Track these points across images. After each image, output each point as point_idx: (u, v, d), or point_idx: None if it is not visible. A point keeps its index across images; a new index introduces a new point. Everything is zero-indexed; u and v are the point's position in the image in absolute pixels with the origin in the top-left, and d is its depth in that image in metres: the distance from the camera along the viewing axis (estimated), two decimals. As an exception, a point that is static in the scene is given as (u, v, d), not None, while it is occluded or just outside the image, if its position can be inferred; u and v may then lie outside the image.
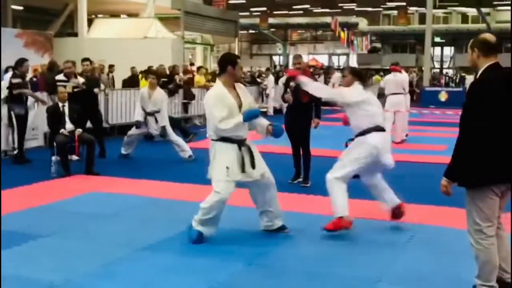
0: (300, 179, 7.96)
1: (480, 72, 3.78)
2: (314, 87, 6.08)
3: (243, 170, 5.22)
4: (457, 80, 39.21)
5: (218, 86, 5.29)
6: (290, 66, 39.95)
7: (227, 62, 5.29)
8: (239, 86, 5.44)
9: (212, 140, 5.26)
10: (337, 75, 22.01)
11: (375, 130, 5.59)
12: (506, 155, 3.65)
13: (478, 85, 3.76)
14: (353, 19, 45.13)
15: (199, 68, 18.18)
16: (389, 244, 5.31)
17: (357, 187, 5.93)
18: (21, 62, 9.50)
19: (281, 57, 52.17)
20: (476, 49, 3.80)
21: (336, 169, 5.61)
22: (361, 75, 5.96)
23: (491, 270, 3.77)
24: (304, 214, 6.35)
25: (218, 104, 5.16)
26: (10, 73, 10.18)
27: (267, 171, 5.45)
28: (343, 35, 41.48)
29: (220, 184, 5.15)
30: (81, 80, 9.86)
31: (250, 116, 5.21)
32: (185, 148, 9.86)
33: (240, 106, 5.23)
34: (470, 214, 3.78)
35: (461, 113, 3.72)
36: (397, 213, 5.84)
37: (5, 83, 9.92)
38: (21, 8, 26.89)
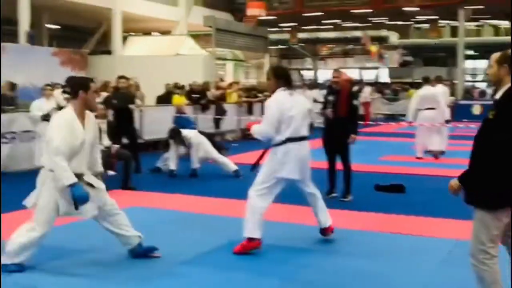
0: (334, 194, 7.94)
1: (506, 89, 3.60)
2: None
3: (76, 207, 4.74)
4: (491, 93, 38.61)
5: (69, 112, 4.71)
6: (320, 80, 39.93)
7: (79, 86, 4.76)
8: (89, 117, 4.84)
9: (46, 168, 4.77)
10: (367, 90, 21.95)
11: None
12: None
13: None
14: (383, 32, 44.91)
15: (231, 84, 18.32)
16: (426, 260, 5.27)
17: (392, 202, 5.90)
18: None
19: (311, 72, 52.15)
20: (507, 64, 3.62)
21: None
22: (286, 77, 5.59)
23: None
24: (341, 230, 6.34)
25: (65, 131, 4.60)
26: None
27: (107, 203, 5.06)
28: (374, 49, 41.30)
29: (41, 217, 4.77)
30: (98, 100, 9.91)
31: (77, 197, 4.63)
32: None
33: (82, 143, 4.71)
34: (476, 234, 3.63)
35: (485, 129, 3.57)
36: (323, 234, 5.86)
37: (41, 101, 10.20)
38: (57, 27, 27.52)
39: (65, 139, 4.54)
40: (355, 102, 7.89)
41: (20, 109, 11.03)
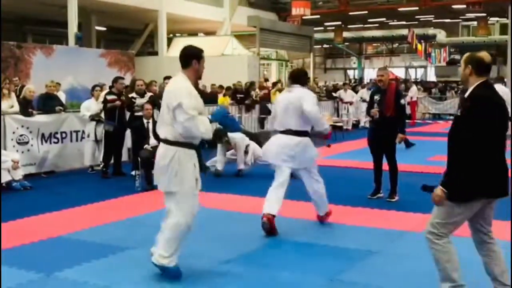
0: (380, 195, 7.84)
1: (473, 88, 3.82)
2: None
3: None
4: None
5: (184, 80, 4.60)
6: (366, 80, 39.50)
7: (193, 56, 4.67)
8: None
9: (171, 144, 4.54)
10: (414, 89, 21.59)
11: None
12: (499, 170, 3.79)
13: (481, 102, 3.76)
14: (430, 31, 44.14)
15: (275, 83, 18.33)
16: (472, 261, 5.14)
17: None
18: (116, 80, 10.01)
19: (356, 71, 51.72)
20: (470, 66, 3.87)
21: None
22: (298, 76, 6.48)
23: (455, 269, 3.86)
24: (384, 230, 6.26)
25: (191, 99, 4.48)
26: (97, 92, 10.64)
27: None
28: (420, 47, 40.63)
29: (189, 201, 4.59)
30: (144, 100, 10.01)
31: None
32: None
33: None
34: (433, 216, 3.88)
35: (454, 126, 3.79)
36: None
37: (90, 102, 10.43)
38: (104, 29, 28.09)
39: (192, 103, 4.46)
40: (402, 101, 7.75)
41: (69, 109, 11.27)
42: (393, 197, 7.71)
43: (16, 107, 9.80)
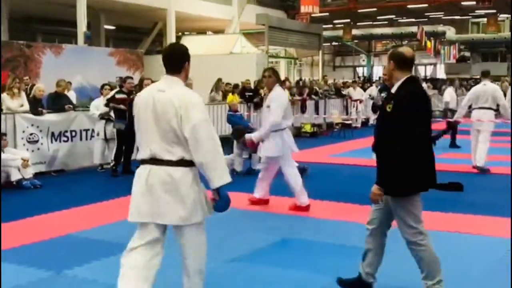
0: None
1: (399, 84, 3.89)
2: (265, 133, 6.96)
3: None
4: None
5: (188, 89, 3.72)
6: (375, 77, 39.38)
7: (186, 57, 3.75)
8: None
9: (186, 165, 3.56)
10: (423, 86, 21.49)
11: None
12: (431, 163, 3.92)
13: (409, 97, 3.81)
14: (440, 28, 43.92)
15: (283, 81, 18.29)
16: (484, 259, 5.12)
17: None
18: (125, 79, 10.08)
19: (365, 69, 51.57)
20: (392, 61, 3.95)
21: None
22: (279, 76, 7.42)
23: (438, 266, 3.92)
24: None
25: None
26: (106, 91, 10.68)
27: None
28: (430, 44, 40.42)
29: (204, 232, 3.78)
30: None
31: None
32: None
33: None
34: (404, 221, 3.90)
35: (388, 124, 3.81)
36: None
37: (99, 101, 10.48)
38: (113, 28, 28.17)
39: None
40: None
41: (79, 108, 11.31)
42: None
43: (26, 106, 9.85)
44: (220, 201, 3.59)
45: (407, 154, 3.73)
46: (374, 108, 8.09)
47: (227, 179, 3.55)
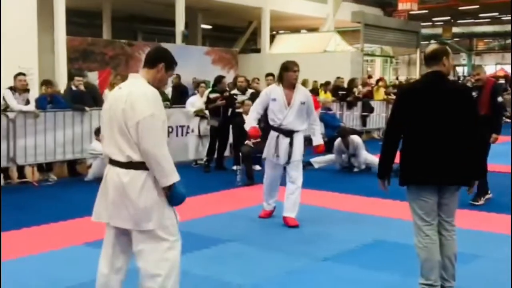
0: (489, 195, 7.46)
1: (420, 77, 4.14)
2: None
3: None
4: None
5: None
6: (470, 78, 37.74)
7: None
8: None
9: (137, 168, 3.37)
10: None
11: None
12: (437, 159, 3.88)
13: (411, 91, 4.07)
14: (548, 25, 41.50)
15: (378, 80, 17.96)
16: None
17: None
18: (219, 79, 10.29)
19: (465, 68, 49.60)
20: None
21: None
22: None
23: (431, 267, 3.88)
24: (485, 233, 5.96)
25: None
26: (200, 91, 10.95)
27: None
28: (536, 43, 38.30)
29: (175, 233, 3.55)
30: (245, 97, 10.23)
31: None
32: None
33: None
34: (412, 216, 4.00)
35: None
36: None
37: (195, 98, 10.75)
38: (209, 27, 28.79)
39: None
40: (498, 99, 7.34)
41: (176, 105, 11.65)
42: (478, 200, 7.30)
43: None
44: (172, 198, 3.40)
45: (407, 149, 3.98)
46: None
47: (171, 180, 3.33)
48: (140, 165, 3.30)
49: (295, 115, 6.28)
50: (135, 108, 3.25)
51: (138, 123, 3.23)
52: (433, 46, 4.20)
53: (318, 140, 6.60)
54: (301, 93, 6.35)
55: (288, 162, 6.34)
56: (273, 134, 6.39)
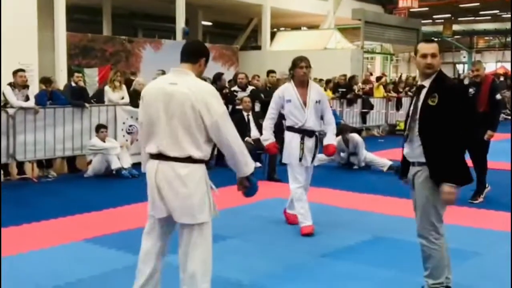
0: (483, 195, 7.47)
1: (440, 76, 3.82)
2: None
3: None
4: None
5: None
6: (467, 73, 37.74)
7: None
8: None
9: (194, 162, 3.46)
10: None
11: None
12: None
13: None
14: (548, 22, 41.47)
15: (379, 77, 17.96)
16: None
17: None
18: (219, 76, 10.29)
19: (466, 66, 49.57)
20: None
21: None
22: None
23: (444, 267, 3.87)
24: (485, 230, 5.97)
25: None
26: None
27: None
28: (536, 40, 38.29)
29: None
30: (245, 93, 10.22)
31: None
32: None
33: None
34: (427, 216, 3.82)
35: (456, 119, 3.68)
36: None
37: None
38: (210, 24, 28.77)
39: None
40: (497, 96, 7.35)
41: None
42: (477, 198, 7.30)
43: (127, 99, 10.27)
44: (250, 187, 3.64)
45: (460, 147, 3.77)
46: None
47: (252, 167, 3.57)
48: (198, 161, 3.42)
49: (314, 115, 5.87)
50: (210, 107, 3.33)
51: (217, 122, 3.34)
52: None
53: (329, 139, 6.09)
54: (315, 92, 5.93)
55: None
56: (293, 135, 5.93)
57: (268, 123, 6.09)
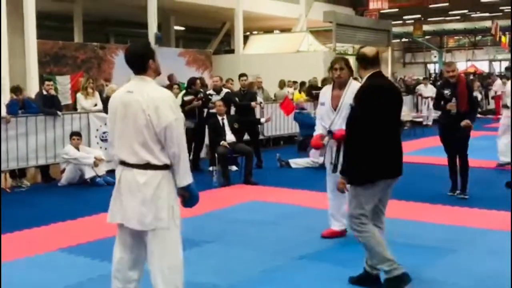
0: (458, 191, 7.58)
1: (364, 79, 4.20)
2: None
3: None
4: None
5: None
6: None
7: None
8: None
9: (157, 168, 3.41)
10: (498, 82, 20.70)
11: None
12: (390, 154, 4.16)
13: (367, 90, 4.15)
14: (516, 21, 42.25)
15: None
16: None
17: None
18: (193, 81, 10.27)
19: (437, 65, 50.21)
20: (358, 63, 4.27)
21: None
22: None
23: (384, 248, 4.10)
24: (461, 228, 6.06)
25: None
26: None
27: None
28: (504, 39, 38.89)
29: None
30: (219, 97, 10.17)
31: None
32: None
33: None
34: (353, 208, 4.16)
35: (349, 116, 4.22)
36: None
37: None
38: (183, 28, 28.69)
39: None
40: (474, 94, 7.53)
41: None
42: (465, 193, 7.44)
43: (100, 106, 10.19)
44: (190, 198, 3.53)
45: (365, 144, 4.06)
46: (437, 106, 7.83)
47: (190, 180, 3.44)
48: (157, 167, 3.38)
49: (343, 120, 5.13)
50: (160, 114, 3.30)
51: (166, 128, 3.30)
52: (370, 48, 4.32)
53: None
54: (351, 94, 5.02)
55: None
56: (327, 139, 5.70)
57: (317, 122, 5.90)
